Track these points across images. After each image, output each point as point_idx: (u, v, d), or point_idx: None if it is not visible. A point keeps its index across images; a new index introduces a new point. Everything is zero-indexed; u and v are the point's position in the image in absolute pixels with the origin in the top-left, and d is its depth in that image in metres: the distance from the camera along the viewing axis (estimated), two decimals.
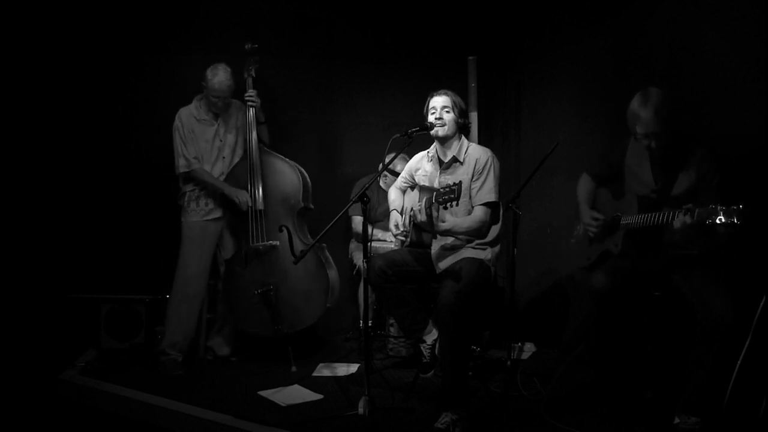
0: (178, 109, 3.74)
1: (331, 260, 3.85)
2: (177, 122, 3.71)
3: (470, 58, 4.19)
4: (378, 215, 4.20)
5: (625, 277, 2.85)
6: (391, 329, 3.92)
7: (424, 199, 3.03)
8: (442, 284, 2.93)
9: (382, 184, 4.23)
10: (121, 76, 4.21)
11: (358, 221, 4.14)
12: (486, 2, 4.40)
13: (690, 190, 2.77)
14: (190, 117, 3.72)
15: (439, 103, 3.10)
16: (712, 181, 2.73)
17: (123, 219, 4.23)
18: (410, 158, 3.42)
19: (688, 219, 2.55)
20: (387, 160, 3.27)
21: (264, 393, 3.31)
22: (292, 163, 3.86)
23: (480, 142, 3.89)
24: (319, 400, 3.24)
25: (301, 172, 3.84)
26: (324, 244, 3.78)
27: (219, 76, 3.63)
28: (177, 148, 3.70)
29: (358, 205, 2.96)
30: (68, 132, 4.18)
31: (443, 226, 2.95)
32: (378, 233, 4.14)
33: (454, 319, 2.81)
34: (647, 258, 2.91)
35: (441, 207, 2.87)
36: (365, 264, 2.96)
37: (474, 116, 4.11)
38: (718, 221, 2.43)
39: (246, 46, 3.80)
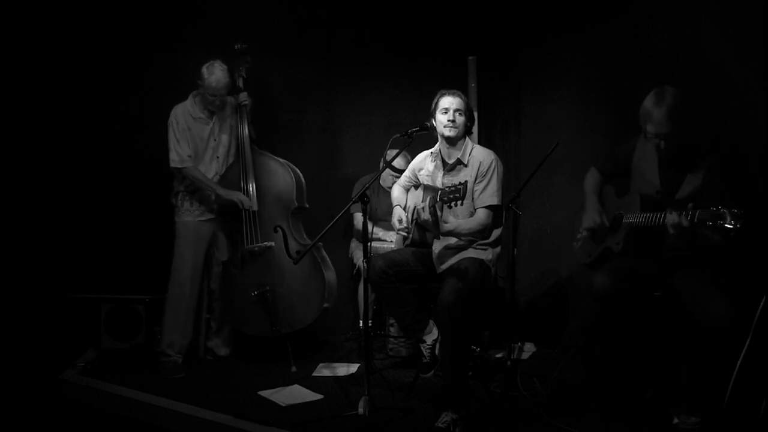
0: None
1: (328, 260, 3.83)
2: (172, 119, 3.65)
3: (470, 58, 4.19)
4: (379, 214, 4.20)
5: (627, 278, 2.84)
6: (391, 329, 3.92)
7: (428, 198, 3.03)
8: (442, 284, 2.93)
9: (383, 182, 4.20)
10: (122, 76, 4.19)
11: (359, 218, 4.11)
12: (486, 2, 4.40)
13: (693, 194, 2.72)
14: (186, 114, 3.67)
15: (453, 105, 3.08)
16: (718, 187, 2.67)
17: (123, 219, 4.22)
18: (411, 156, 3.42)
19: (684, 221, 2.52)
20: (388, 158, 3.27)
21: (264, 393, 3.32)
22: (285, 162, 3.83)
23: (480, 142, 3.89)
24: (319, 400, 3.24)
25: (294, 171, 3.81)
26: (320, 243, 3.76)
27: (216, 74, 3.59)
28: (170, 143, 3.64)
29: (359, 204, 2.96)
30: (68, 132, 4.16)
31: (446, 227, 2.95)
32: (378, 232, 4.14)
33: (454, 319, 2.81)
34: (649, 259, 2.89)
35: (445, 206, 2.87)
36: (365, 264, 2.96)
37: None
38: (719, 224, 2.40)
39: (236, 46, 3.79)
